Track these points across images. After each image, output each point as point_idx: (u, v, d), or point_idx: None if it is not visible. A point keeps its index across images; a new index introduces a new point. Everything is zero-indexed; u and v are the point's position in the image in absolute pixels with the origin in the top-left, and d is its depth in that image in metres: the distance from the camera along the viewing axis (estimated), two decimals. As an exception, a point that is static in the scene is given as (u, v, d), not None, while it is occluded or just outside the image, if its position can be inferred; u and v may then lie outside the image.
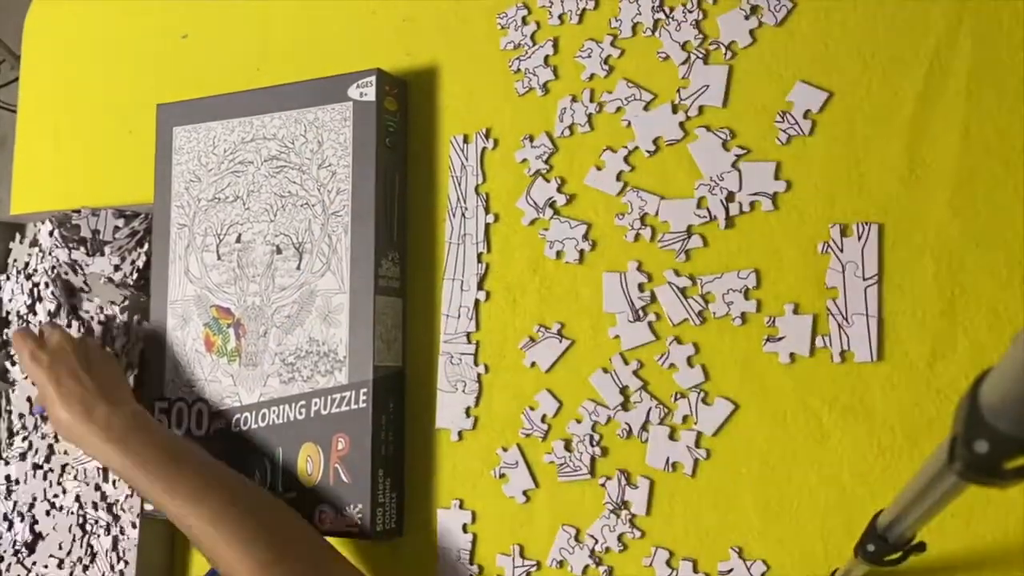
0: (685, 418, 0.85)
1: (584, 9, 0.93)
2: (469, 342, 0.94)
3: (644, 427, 0.86)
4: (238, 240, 1.00)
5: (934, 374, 0.77)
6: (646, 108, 0.89)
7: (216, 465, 0.93)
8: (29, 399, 1.09)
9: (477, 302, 0.94)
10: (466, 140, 0.96)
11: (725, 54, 0.87)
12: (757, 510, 0.82)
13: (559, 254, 0.91)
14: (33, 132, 1.28)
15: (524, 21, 0.95)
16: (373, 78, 0.95)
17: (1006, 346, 0.33)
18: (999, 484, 0.37)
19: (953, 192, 0.78)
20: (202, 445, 0.99)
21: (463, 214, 0.95)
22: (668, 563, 0.84)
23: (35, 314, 1.12)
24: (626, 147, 0.90)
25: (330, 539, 0.89)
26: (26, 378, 1.09)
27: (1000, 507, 0.73)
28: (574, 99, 0.92)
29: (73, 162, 1.22)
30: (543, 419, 0.90)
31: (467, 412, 0.94)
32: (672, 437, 0.85)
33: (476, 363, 0.94)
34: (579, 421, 0.89)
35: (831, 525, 0.79)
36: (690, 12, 0.88)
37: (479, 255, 0.95)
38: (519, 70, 0.95)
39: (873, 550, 0.55)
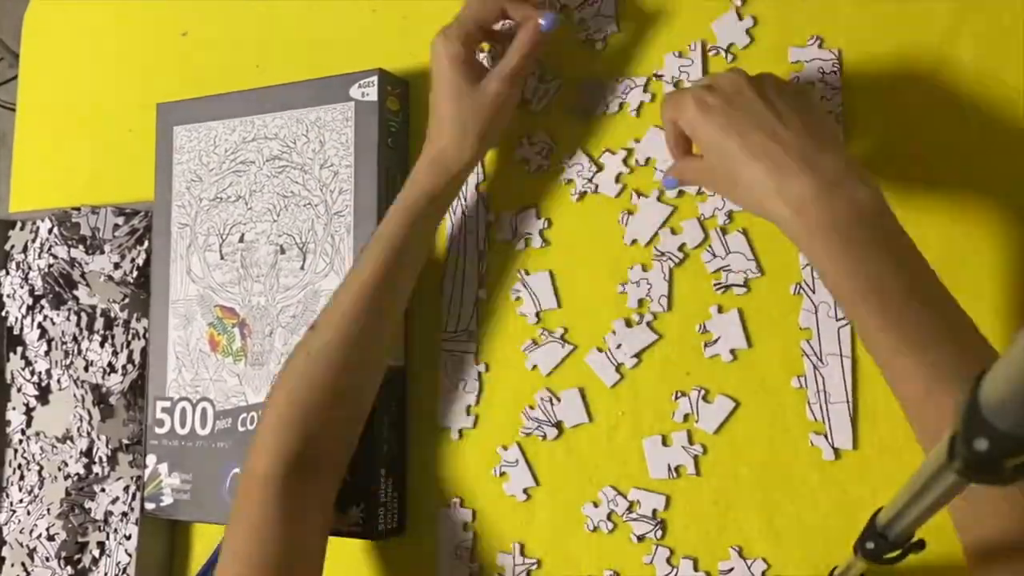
0: (686, 416, 0.85)
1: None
2: (470, 340, 0.95)
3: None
4: (241, 240, 1.00)
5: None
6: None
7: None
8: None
9: (478, 300, 0.95)
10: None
11: (726, 57, 0.87)
12: (757, 509, 0.82)
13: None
14: (32, 130, 1.28)
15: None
16: (375, 78, 0.95)
17: (1006, 346, 0.34)
18: (999, 482, 0.37)
19: (952, 206, 0.78)
20: (207, 444, 1.00)
21: (464, 212, 0.96)
22: (668, 561, 0.85)
23: (39, 308, 1.13)
24: (626, 148, 0.90)
25: (332, 538, 0.89)
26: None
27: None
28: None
29: (72, 160, 1.22)
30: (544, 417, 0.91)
31: (468, 410, 0.94)
32: (665, 442, 0.86)
33: (477, 361, 0.94)
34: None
35: (831, 523, 0.80)
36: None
37: (480, 253, 0.95)
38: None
39: (873, 548, 0.55)
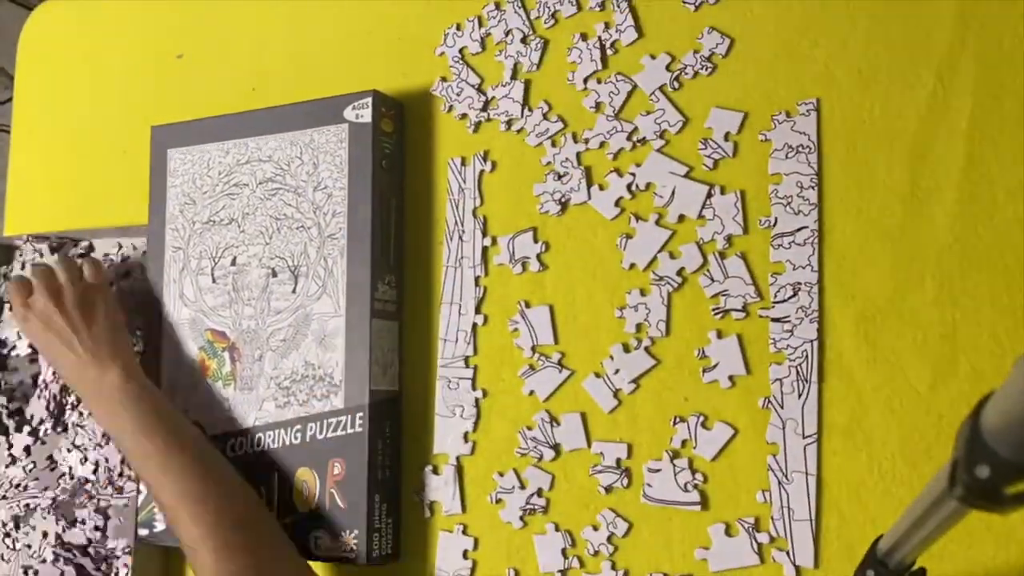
0: (684, 442, 0.84)
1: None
2: (467, 366, 0.94)
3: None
4: (233, 263, 1.00)
5: (935, 398, 0.77)
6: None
7: (196, 444, 0.94)
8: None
9: (475, 326, 0.94)
10: (463, 163, 0.96)
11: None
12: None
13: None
14: (27, 153, 1.28)
15: (525, 41, 0.95)
16: (369, 99, 0.94)
17: (1007, 371, 0.33)
18: (1000, 510, 0.37)
19: (954, 217, 0.77)
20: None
21: (460, 237, 0.95)
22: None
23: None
24: (632, 173, 0.90)
25: (327, 564, 0.88)
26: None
27: (1001, 533, 0.73)
28: (574, 138, 0.92)
29: (67, 183, 1.22)
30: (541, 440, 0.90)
31: (465, 437, 0.93)
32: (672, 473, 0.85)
33: (474, 387, 0.93)
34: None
35: (831, 551, 0.79)
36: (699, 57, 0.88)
37: (476, 278, 0.94)
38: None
39: (873, 576, 0.55)
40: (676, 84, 0.88)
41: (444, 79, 0.98)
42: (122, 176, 1.15)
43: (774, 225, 0.84)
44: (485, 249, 0.94)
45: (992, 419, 0.35)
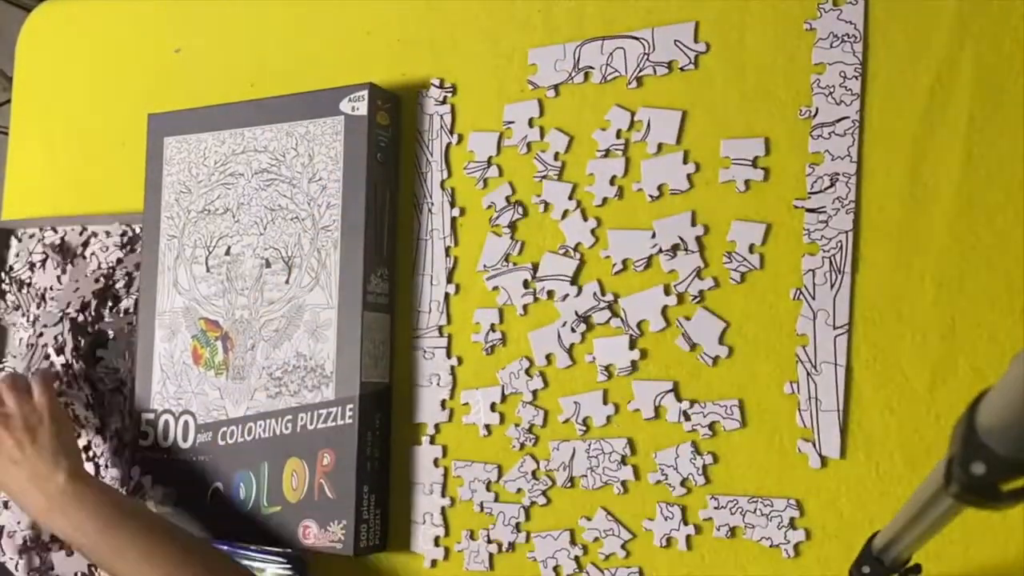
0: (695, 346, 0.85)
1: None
2: (441, 335, 0.95)
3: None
4: (227, 253, 0.99)
5: (934, 399, 0.77)
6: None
7: (162, 523, 0.93)
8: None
9: (447, 295, 0.95)
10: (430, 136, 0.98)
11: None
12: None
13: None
14: (25, 142, 1.27)
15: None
16: (365, 92, 0.94)
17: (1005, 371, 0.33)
18: (995, 506, 0.37)
19: (954, 217, 0.78)
20: (188, 457, 0.99)
21: (429, 209, 0.96)
22: None
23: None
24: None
25: (314, 555, 0.88)
26: None
27: (997, 530, 0.73)
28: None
29: (65, 172, 1.22)
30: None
31: (442, 405, 0.94)
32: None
33: (449, 356, 0.94)
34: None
35: (828, 551, 0.79)
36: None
37: (447, 249, 0.95)
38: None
39: (868, 572, 0.55)
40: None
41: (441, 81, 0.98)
42: (119, 167, 1.15)
43: (814, 115, 0.83)
44: (454, 220, 0.95)
45: (988, 416, 0.35)
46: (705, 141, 0.86)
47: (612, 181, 0.89)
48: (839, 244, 0.81)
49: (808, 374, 0.81)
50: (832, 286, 0.80)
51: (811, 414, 0.80)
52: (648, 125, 0.88)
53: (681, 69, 0.88)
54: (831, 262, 0.81)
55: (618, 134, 0.89)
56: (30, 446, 0.96)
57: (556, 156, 0.91)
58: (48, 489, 0.93)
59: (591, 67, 0.91)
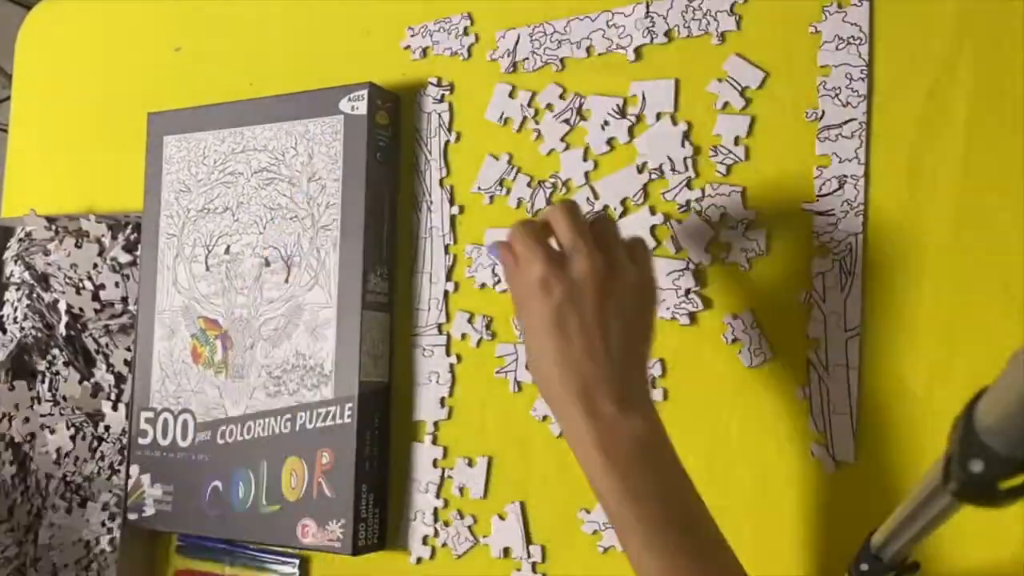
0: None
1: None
2: (440, 333, 0.95)
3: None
4: (227, 251, 1.00)
5: (932, 400, 0.77)
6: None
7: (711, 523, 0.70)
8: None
9: (446, 293, 0.95)
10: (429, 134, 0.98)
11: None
12: (752, 532, 0.81)
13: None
14: (25, 140, 1.28)
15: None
16: (365, 91, 0.94)
17: (1004, 368, 0.33)
18: (994, 504, 0.37)
19: (954, 217, 0.78)
20: (187, 456, 0.99)
21: (428, 208, 0.96)
22: None
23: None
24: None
25: (311, 553, 0.88)
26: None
27: (995, 527, 0.73)
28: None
29: (64, 170, 1.22)
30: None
31: (441, 402, 0.94)
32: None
33: (448, 354, 0.94)
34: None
35: (826, 549, 0.79)
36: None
37: (446, 247, 0.95)
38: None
39: (867, 570, 0.55)
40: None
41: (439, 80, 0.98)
42: (119, 167, 1.15)
43: (821, 118, 0.83)
44: (453, 218, 0.95)
45: (986, 414, 0.36)
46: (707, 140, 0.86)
47: (623, 202, 0.89)
48: (848, 247, 0.81)
49: (820, 378, 0.81)
50: (842, 289, 0.80)
51: (823, 419, 0.80)
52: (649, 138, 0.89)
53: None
54: (841, 265, 0.81)
55: (610, 142, 0.89)
56: (604, 351, 0.68)
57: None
58: (614, 432, 0.67)
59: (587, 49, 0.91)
